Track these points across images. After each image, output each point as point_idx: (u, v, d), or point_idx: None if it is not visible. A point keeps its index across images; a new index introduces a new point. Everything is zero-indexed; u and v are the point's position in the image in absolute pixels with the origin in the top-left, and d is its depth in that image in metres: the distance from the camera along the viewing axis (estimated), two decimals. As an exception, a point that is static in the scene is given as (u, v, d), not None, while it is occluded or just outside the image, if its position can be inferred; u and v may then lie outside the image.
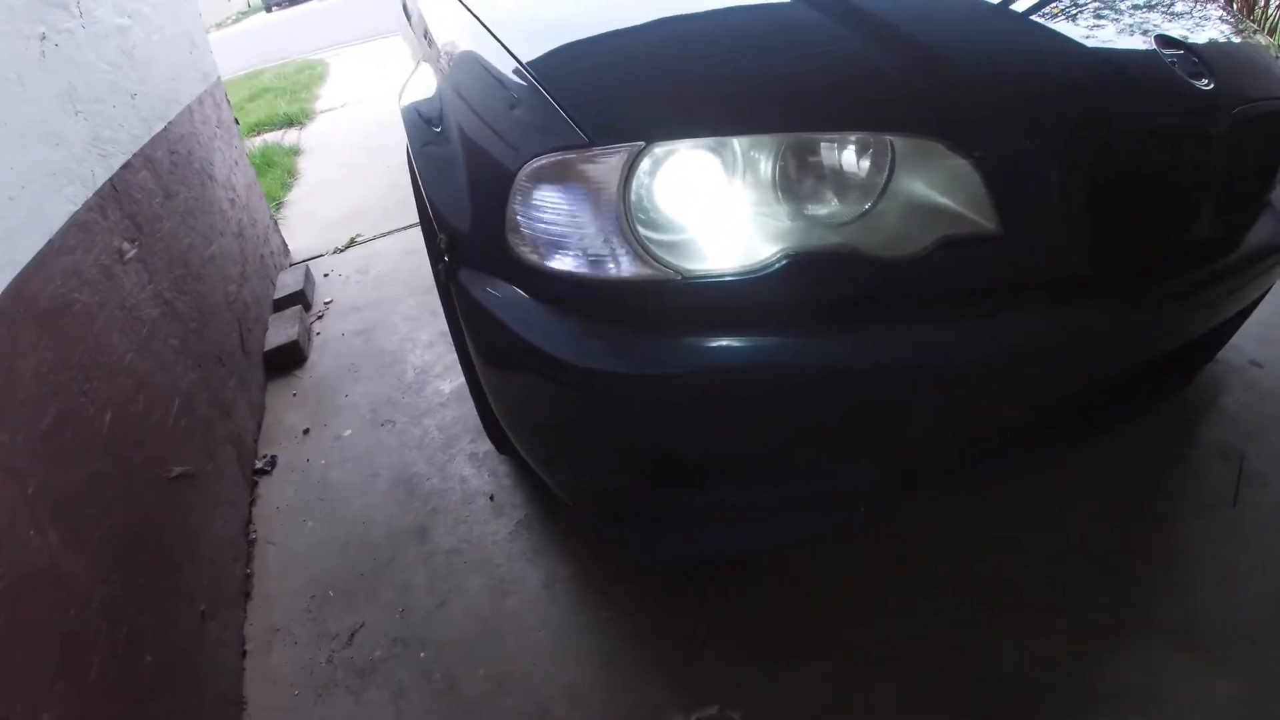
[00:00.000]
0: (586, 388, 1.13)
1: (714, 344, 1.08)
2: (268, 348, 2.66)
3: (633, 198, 1.06)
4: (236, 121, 3.37)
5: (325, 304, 3.09)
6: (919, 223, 1.09)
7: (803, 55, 1.21)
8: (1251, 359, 1.96)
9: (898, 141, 1.07)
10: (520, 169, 1.14)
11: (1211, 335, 1.57)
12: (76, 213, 1.54)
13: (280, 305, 2.96)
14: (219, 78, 3.15)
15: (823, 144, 1.09)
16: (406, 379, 2.47)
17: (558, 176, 1.11)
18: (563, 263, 1.13)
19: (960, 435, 1.26)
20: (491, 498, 1.91)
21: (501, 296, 1.22)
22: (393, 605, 1.67)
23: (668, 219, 1.08)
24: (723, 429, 1.15)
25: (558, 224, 1.12)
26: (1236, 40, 1.45)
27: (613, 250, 1.08)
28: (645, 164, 1.05)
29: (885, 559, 1.59)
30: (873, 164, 1.08)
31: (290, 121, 6.29)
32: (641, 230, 1.07)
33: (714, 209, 1.08)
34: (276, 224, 3.56)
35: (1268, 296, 1.76)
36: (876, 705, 1.34)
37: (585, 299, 1.13)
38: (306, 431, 2.32)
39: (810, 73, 1.18)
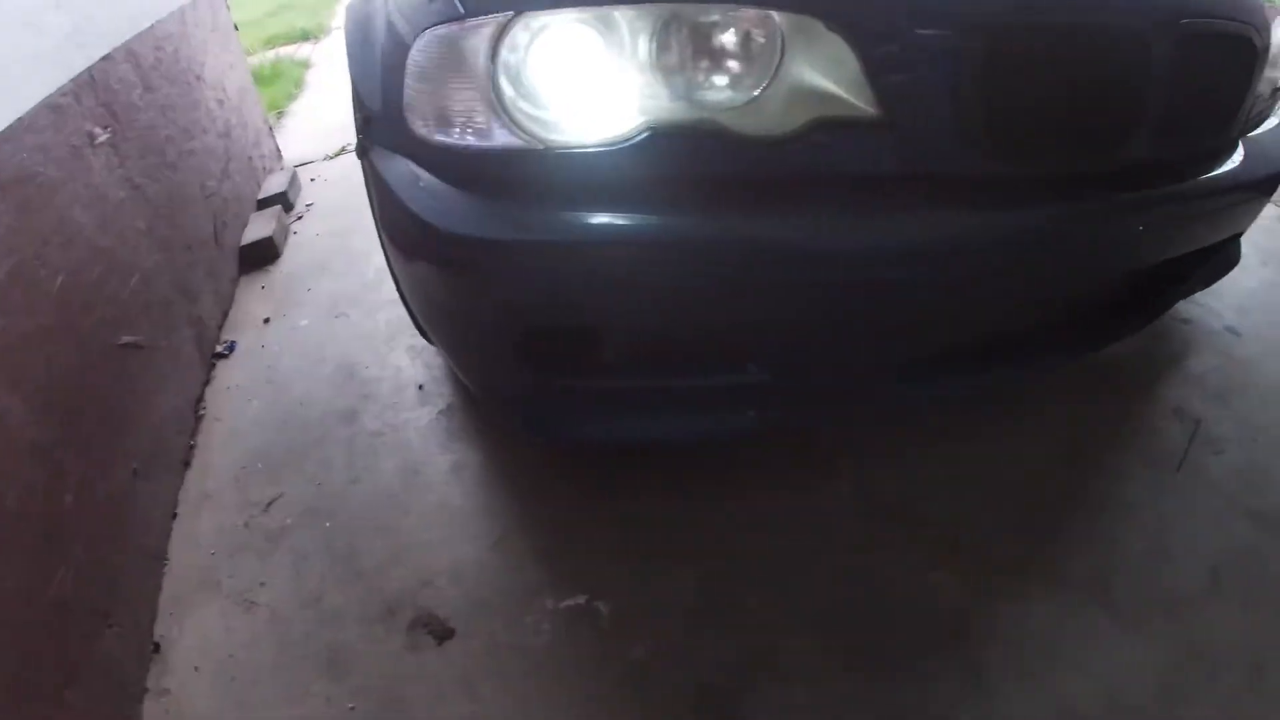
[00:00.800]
0: (453, 255, 1.17)
1: (573, 216, 1.10)
2: (243, 243, 2.73)
3: (503, 68, 1.08)
4: (236, 28, 3.41)
5: (307, 206, 3.16)
6: (795, 104, 1.08)
7: None
8: (1228, 325, 1.92)
9: (785, 25, 1.05)
10: (412, 44, 1.16)
11: (1155, 278, 1.49)
12: (50, 96, 1.61)
13: (264, 205, 3.03)
14: (217, -17, 3.18)
15: (709, 25, 1.06)
16: (368, 277, 2.54)
17: (438, 49, 1.13)
18: (446, 135, 1.16)
19: (849, 340, 1.23)
20: (421, 387, 1.99)
21: (399, 171, 1.25)
22: (312, 479, 1.76)
23: (540, 91, 1.10)
24: (586, 305, 1.17)
25: (440, 96, 1.15)
26: None
27: (486, 121, 1.11)
28: (522, 36, 1.07)
29: (788, 471, 1.61)
30: (764, 46, 1.06)
31: (305, 36, 6.33)
32: (519, 102, 1.09)
33: (585, 83, 1.09)
34: (271, 129, 3.61)
35: (1254, 266, 1.68)
36: (747, 613, 1.36)
37: (466, 171, 1.16)
38: (267, 321, 2.40)
39: None
